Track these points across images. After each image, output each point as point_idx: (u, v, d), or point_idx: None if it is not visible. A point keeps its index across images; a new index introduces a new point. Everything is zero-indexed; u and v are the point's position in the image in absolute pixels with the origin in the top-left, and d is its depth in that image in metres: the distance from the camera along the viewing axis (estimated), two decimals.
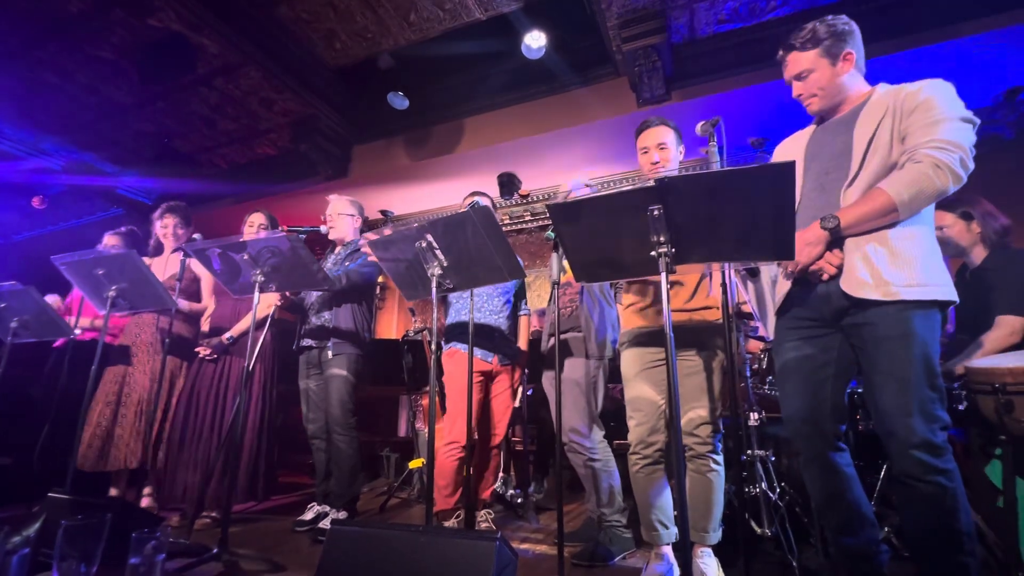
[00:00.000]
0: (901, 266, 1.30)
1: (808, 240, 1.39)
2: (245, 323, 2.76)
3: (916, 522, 1.29)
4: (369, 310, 2.75)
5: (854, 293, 1.33)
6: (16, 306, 2.37)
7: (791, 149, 1.62)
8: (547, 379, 2.50)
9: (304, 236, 2.46)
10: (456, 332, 2.51)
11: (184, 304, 2.76)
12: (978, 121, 1.33)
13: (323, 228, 2.69)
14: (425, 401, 3.95)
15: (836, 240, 1.38)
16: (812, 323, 1.47)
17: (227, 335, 2.71)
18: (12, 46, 3.76)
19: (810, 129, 1.61)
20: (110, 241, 3.14)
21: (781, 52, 1.53)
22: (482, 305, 2.50)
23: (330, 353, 2.55)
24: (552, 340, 2.42)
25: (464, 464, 2.32)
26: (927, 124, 1.31)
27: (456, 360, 2.44)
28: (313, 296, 2.70)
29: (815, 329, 1.47)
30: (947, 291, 1.31)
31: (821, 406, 1.44)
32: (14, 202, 5.88)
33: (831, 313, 1.42)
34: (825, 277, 1.39)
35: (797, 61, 1.50)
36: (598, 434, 2.23)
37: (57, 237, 6.36)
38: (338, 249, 2.78)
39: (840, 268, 1.37)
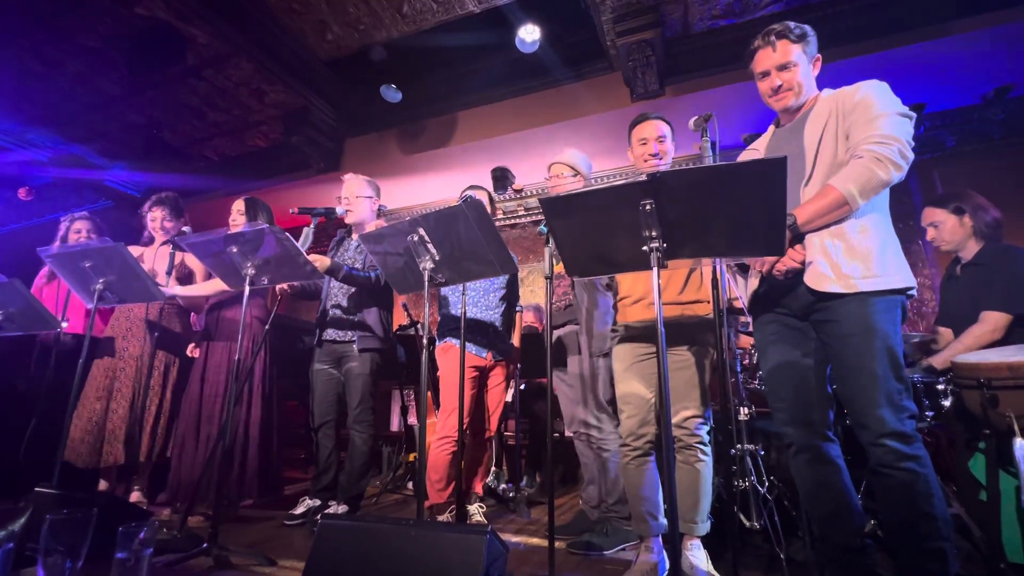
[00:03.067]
0: (858, 259, 1.37)
1: None
2: (197, 289, 2.72)
3: (893, 510, 1.33)
4: (390, 304, 2.71)
5: (817, 287, 1.40)
6: (1, 299, 2.34)
7: (751, 157, 1.67)
8: (555, 373, 2.50)
9: (318, 219, 2.44)
10: (451, 327, 2.49)
11: (179, 289, 2.72)
12: (914, 115, 1.41)
13: (339, 210, 2.58)
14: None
15: (797, 238, 1.44)
16: (786, 316, 1.54)
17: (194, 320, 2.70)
18: None
19: (766, 137, 1.70)
20: (78, 226, 3.03)
21: (772, 38, 1.53)
22: (477, 300, 2.49)
23: (356, 348, 2.51)
24: (555, 333, 2.43)
25: (456, 458, 2.33)
26: (866, 121, 1.39)
27: (451, 356, 2.42)
28: (336, 286, 2.62)
29: (789, 320, 1.53)
30: (903, 279, 1.38)
31: (807, 396, 1.49)
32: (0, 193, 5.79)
33: (799, 309, 1.49)
34: (791, 275, 1.45)
35: (787, 50, 1.52)
36: (610, 424, 2.24)
37: (44, 230, 6.26)
38: (355, 236, 2.70)
39: (803, 264, 1.43)
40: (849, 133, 1.43)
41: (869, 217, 1.41)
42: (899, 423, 1.30)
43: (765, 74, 1.57)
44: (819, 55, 1.57)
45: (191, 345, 2.76)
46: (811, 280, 1.41)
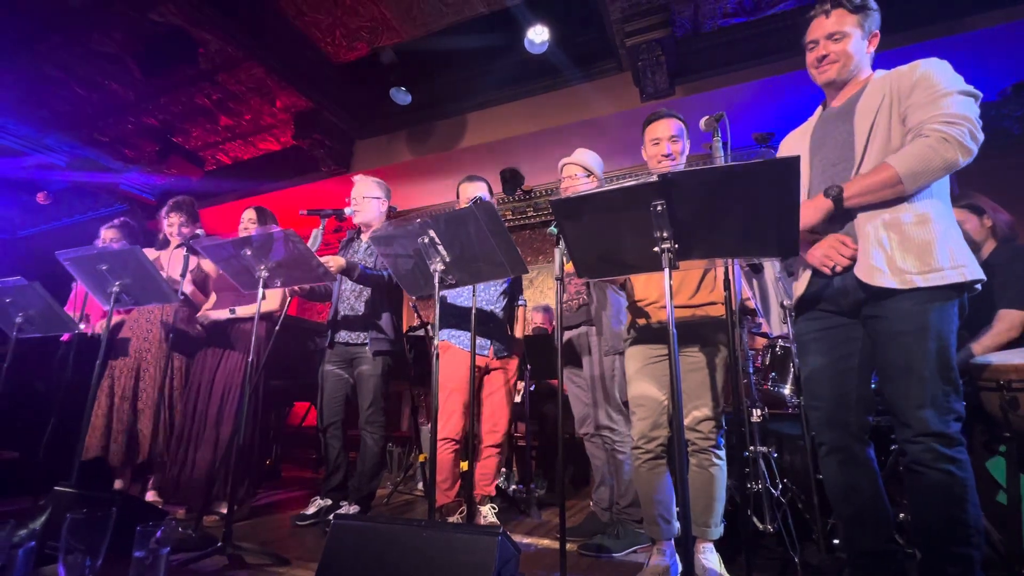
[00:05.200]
0: (916, 253, 1.29)
1: (814, 206, 1.38)
2: (243, 310, 2.73)
3: (923, 511, 1.28)
4: (400, 306, 2.72)
5: (870, 281, 1.31)
6: (21, 301, 2.38)
7: (796, 142, 1.62)
8: (566, 373, 2.49)
9: (327, 219, 2.46)
10: (445, 317, 2.47)
11: (190, 288, 2.76)
12: (980, 94, 1.32)
13: (347, 210, 2.59)
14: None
15: (846, 224, 1.36)
16: (832, 314, 1.47)
17: (217, 314, 2.73)
18: (14, 41, 3.76)
19: (812, 121, 1.61)
20: (108, 235, 3.13)
21: (828, 6, 1.45)
22: (478, 293, 2.45)
23: (369, 351, 2.52)
24: (566, 335, 2.42)
25: (460, 458, 2.33)
26: (929, 101, 1.30)
27: (448, 356, 2.40)
28: (347, 289, 2.64)
29: (835, 319, 1.46)
30: (967, 271, 1.27)
31: (846, 397, 1.43)
32: (19, 198, 5.91)
33: (849, 306, 1.42)
34: (839, 269, 1.38)
35: (842, 19, 1.44)
36: (625, 426, 2.24)
37: (62, 233, 6.39)
38: (364, 237, 2.71)
39: (853, 260, 1.36)
40: (907, 116, 1.33)
41: (929, 204, 1.31)
42: (942, 424, 1.24)
43: (814, 43, 1.48)
44: (878, 32, 1.46)
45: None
46: (863, 274, 1.32)
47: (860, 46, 1.45)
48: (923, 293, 1.27)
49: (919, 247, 1.29)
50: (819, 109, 1.61)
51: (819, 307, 1.49)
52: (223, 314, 2.72)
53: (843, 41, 1.44)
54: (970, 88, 1.31)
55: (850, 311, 1.42)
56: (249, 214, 2.85)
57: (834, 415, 1.44)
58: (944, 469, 1.23)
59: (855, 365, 1.43)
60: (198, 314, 2.83)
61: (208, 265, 2.90)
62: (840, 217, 1.39)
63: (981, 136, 1.26)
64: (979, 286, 1.31)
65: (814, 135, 1.56)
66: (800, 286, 1.52)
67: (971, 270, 1.28)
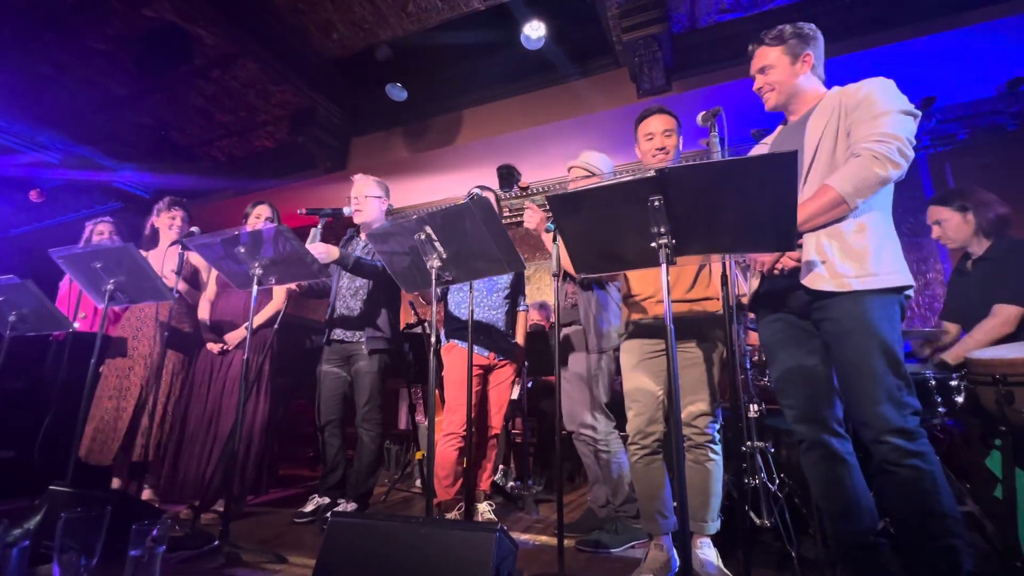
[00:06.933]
0: (852, 258, 1.38)
1: None
2: (257, 319, 2.71)
3: (900, 508, 1.32)
4: (398, 303, 2.70)
5: (811, 285, 1.41)
6: (14, 300, 2.36)
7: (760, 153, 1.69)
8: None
9: (326, 219, 2.45)
10: (453, 327, 2.50)
11: (183, 286, 2.74)
12: (919, 113, 1.41)
13: (347, 210, 2.56)
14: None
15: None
16: (789, 315, 1.55)
17: (228, 343, 2.71)
18: (8, 38, 3.73)
19: (775, 134, 1.71)
20: (101, 228, 3.10)
21: (751, 46, 1.64)
22: (480, 301, 2.49)
23: (365, 348, 2.52)
24: (562, 332, 2.42)
25: (463, 454, 2.33)
26: (868, 119, 1.40)
27: (455, 354, 2.44)
28: (344, 286, 2.64)
29: (793, 319, 1.54)
30: (898, 278, 1.37)
31: (816, 394, 1.49)
32: (11, 196, 5.86)
33: (799, 308, 1.51)
34: (786, 271, 1.48)
35: (763, 55, 1.61)
36: (607, 425, 2.24)
37: (55, 231, 6.34)
38: (363, 235, 2.69)
39: (799, 262, 1.45)
40: (850, 131, 1.43)
41: (867, 216, 1.41)
42: (901, 419, 1.29)
43: (752, 78, 1.67)
44: (809, 52, 1.59)
45: (216, 346, 2.76)
46: (806, 279, 1.42)
47: (791, 71, 1.58)
48: (862, 295, 1.36)
49: (858, 253, 1.38)
50: (780, 126, 1.71)
51: (777, 309, 1.57)
52: (240, 333, 2.71)
53: (770, 72, 1.60)
54: (909, 107, 1.40)
55: (800, 313, 1.51)
56: (265, 211, 2.84)
57: (807, 412, 1.50)
58: (911, 465, 1.27)
59: (818, 361, 1.50)
60: (196, 310, 2.79)
61: (196, 259, 2.88)
62: None
63: (911, 152, 1.36)
64: (910, 293, 1.41)
65: (772, 147, 1.67)
66: (754, 283, 1.61)
67: (901, 277, 1.38)
